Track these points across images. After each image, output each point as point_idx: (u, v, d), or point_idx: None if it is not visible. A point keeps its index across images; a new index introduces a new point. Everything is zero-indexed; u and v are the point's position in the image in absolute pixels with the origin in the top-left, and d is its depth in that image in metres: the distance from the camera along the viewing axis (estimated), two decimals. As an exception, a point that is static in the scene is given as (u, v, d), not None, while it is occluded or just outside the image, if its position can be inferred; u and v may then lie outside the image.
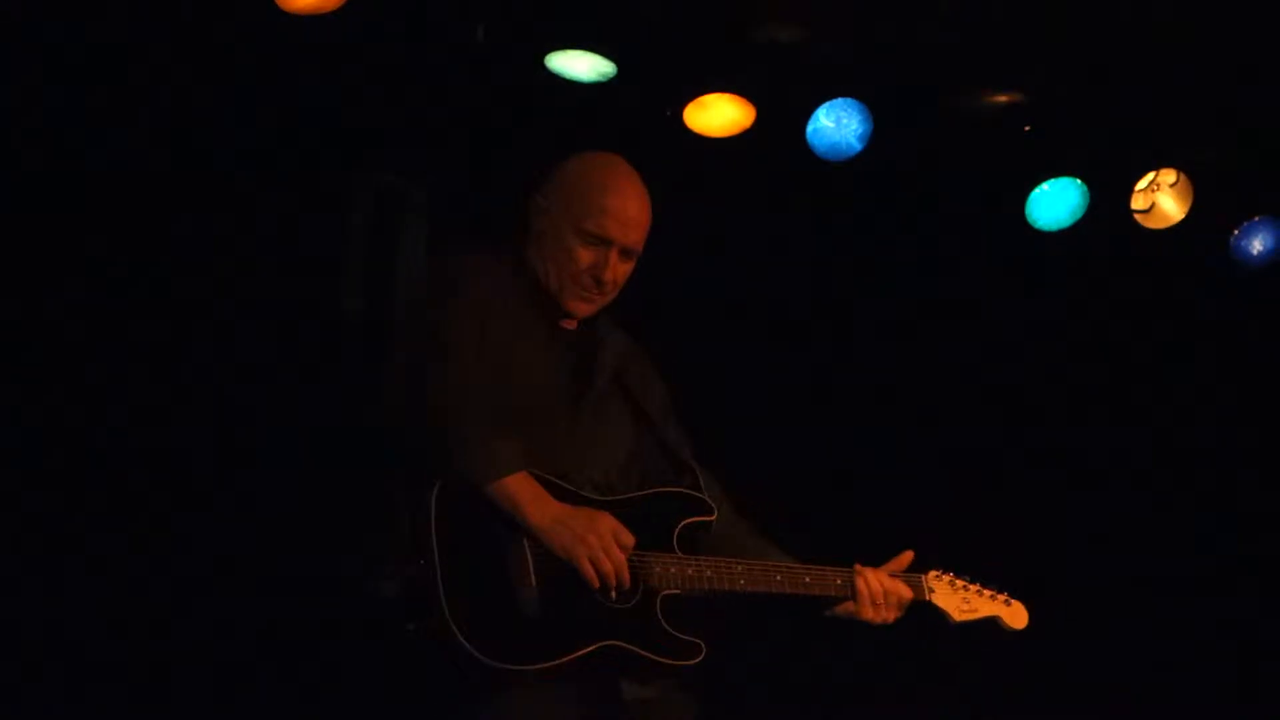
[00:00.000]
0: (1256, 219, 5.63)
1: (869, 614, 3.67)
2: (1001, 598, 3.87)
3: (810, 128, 5.24)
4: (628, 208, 3.59)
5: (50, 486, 4.60)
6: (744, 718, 4.39)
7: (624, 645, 3.41)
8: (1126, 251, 5.64)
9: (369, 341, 5.01)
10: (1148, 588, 5.71)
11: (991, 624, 3.87)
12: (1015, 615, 3.87)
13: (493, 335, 3.45)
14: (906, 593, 3.74)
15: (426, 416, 3.32)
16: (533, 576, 3.32)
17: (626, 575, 3.37)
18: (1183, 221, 5.54)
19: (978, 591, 3.84)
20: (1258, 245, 5.63)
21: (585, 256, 3.58)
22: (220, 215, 4.88)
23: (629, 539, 3.36)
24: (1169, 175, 5.51)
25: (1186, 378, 5.86)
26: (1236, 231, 5.64)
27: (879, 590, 3.67)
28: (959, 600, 3.80)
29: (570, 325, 3.68)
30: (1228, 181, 5.56)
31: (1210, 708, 5.65)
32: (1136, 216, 5.53)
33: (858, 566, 3.71)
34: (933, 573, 3.82)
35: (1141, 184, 5.50)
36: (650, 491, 3.55)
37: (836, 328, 5.72)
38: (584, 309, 3.64)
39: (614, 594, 3.39)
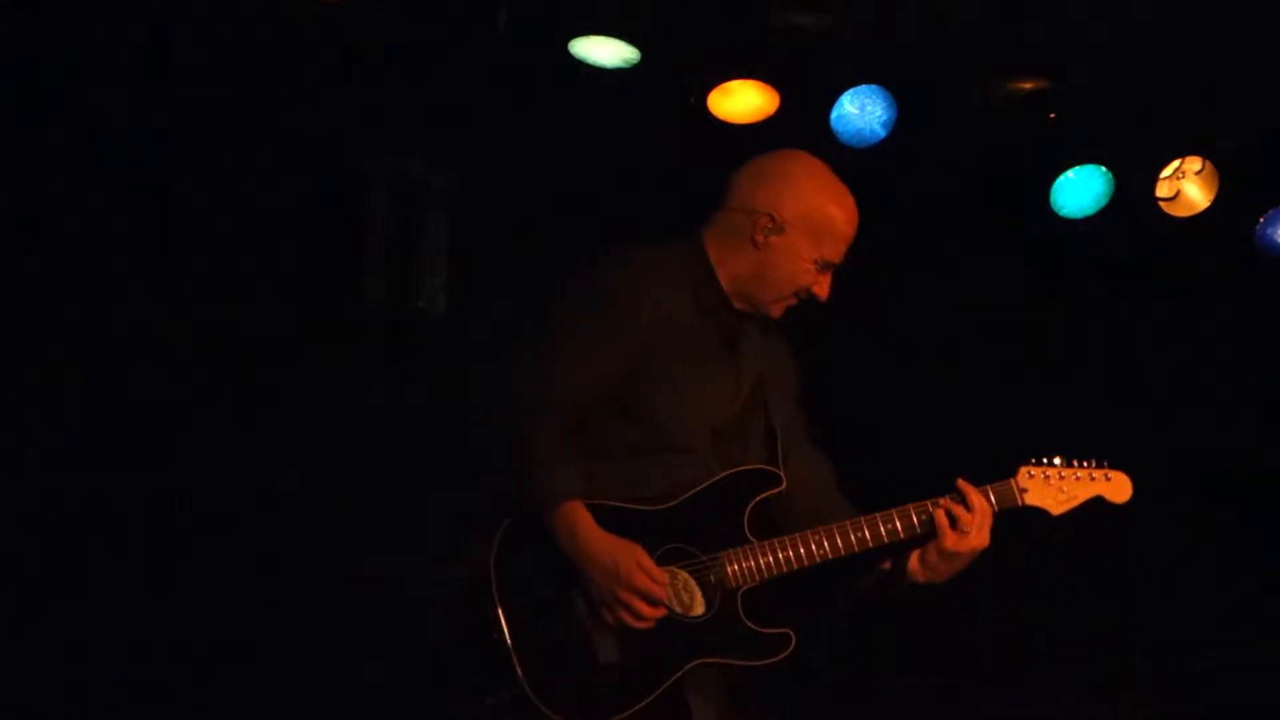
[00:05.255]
0: (1282, 207, 5.61)
1: (951, 541, 3.51)
2: (1101, 473, 3.67)
3: (834, 114, 5.22)
4: (855, 228, 3.64)
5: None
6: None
7: (712, 660, 3.41)
8: (1151, 239, 5.62)
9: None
10: (1164, 578, 5.71)
11: (1095, 505, 3.67)
12: (1119, 488, 3.67)
13: (661, 335, 3.46)
14: (988, 508, 3.57)
15: (508, 419, 3.32)
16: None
17: (661, 592, 3.32)
18: (1208, 209, 5.51)
19: (1074, 475, 3.64)
20: (1283, 234, 5.61)
21: (816, 278, 3.60)
22: (245, 206, 4.89)
23: (657, 576, 3.32)
24: (1194, 163, 5.48)
25: (1211, 366, 5.84)
26: (1262, 220, 5.60)
27: (963, 514, 3.52)
28: (1054, 492, 3.61)
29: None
30: (1253, 169, 5.53)
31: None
32: (1161, 204, 5.50)
33: (948, 497, 3.56)
34: (1024, 469, 3.64)
35: (1167, 171, 5.47)
36: (713, 481, 3.51)
37: (858, 317, 5.69)
38: (780, 312, 3.65)
39: (695, 611, 3.40)
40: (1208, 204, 5.51)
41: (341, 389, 5.03)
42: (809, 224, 3.56)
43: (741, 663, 3.43)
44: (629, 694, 3.32)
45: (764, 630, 3.44)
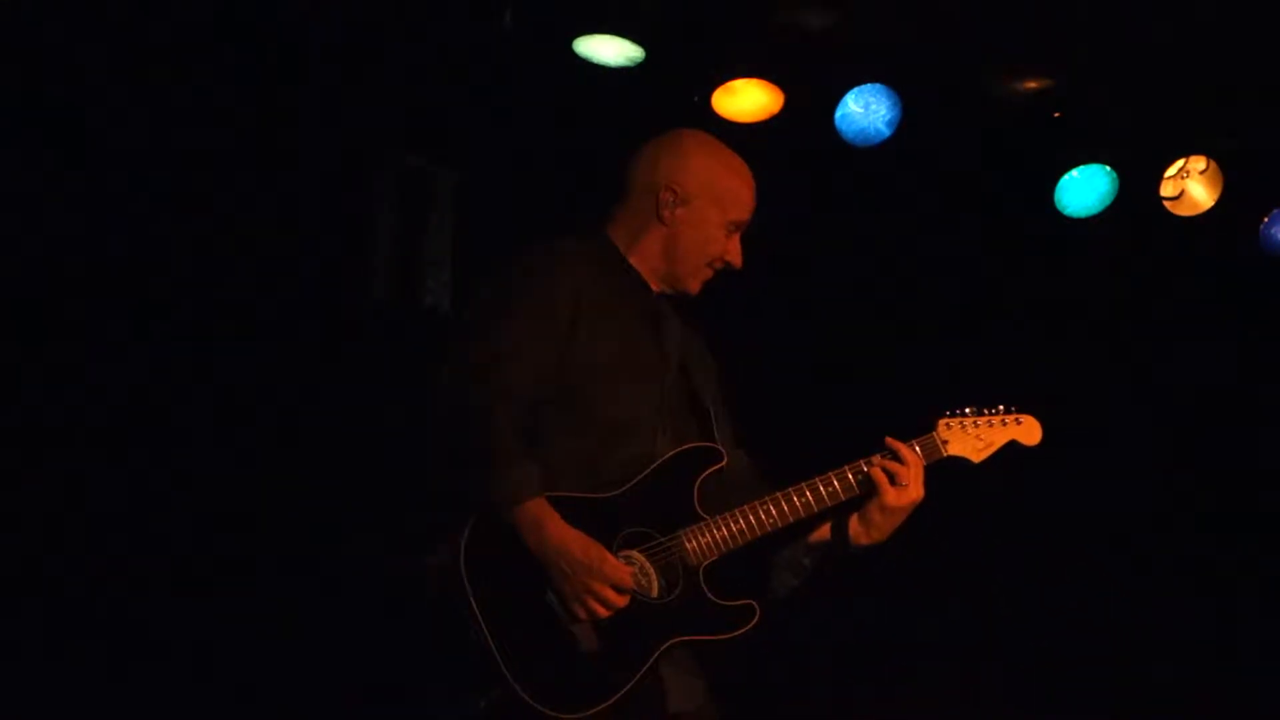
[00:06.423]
0: (1287, 207, 5.60)
1: (892, 498, 3.56)
2: (1012, 418, 3.74)
3: (839, 113, 5.24)
4: (754, 192, 3.74)
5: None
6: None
7: (686, 638, 3.45)
8: (1155, 238, 5.62)
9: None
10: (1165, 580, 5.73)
11: (1010, 450, 3.73)
12: (1029, 431, 3.74)
13: (586, 321, 3.52)
14: (920, 460, 3.62)
15: (466, 422, 3.36)
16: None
17: (629, 580, 3.38)
18: (1212, 209, 5.52)
19: (988, 422, 3.72)
20: (1288, 234, 5.61)
21: (728, 244, 3.70)
22: (250, 205, 4.90)
23: (614, 574, 3.35)
24: (1199, 162, 5.49)
25: (1214, 366, 5.84)
26: (1266, 219, 5.60)
27: (898, 469, 3.57)
28: (973, 440, 3.70)
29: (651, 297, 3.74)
30: (1258, 169, 5.53)
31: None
32: (1166, 204, 5.51)
33: (878, 455, 3.61)
34: (941, 421, 3.71)
35: (1171, 171, 5.48)
36: (660, 463, 3.54)
37: (860, 314, 5.71)
38: (698, 286, 3.73)
39: (655, 592, 3.44)
40: (1212, 203, 5.52)
41: (347, 386, 5.03)
42: (710, 190, 3.67)
43: (713, 637, 3.47)
44: (611, 681, 3.36)
45: (729, 603, 3.49)
